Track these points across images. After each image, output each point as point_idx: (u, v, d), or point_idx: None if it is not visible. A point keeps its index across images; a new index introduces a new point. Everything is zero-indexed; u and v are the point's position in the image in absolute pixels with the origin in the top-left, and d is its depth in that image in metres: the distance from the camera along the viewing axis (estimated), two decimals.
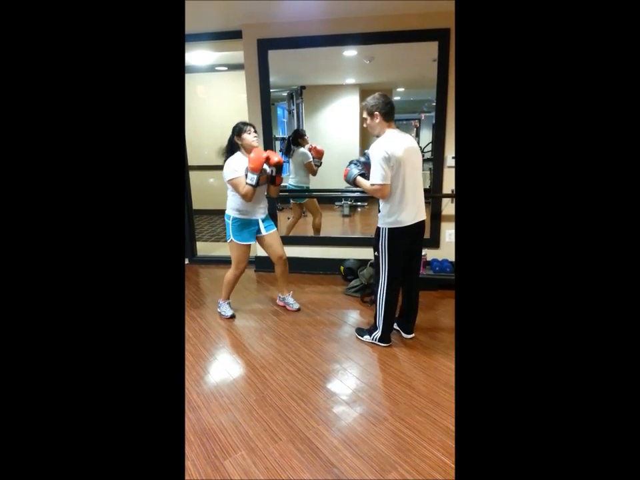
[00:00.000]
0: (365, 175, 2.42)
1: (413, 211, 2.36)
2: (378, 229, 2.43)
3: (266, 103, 3.57)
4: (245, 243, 2.85)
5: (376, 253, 2.48)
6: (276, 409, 2.01)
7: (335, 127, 4.26)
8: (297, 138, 3.98)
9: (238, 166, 2.68)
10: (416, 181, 2.36)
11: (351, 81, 4.17)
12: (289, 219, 4.13)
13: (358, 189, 2.56)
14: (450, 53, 3.19)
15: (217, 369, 2.43)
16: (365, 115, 2.34)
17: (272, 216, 3.71)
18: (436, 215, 3.57)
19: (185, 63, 3.79)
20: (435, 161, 3.48)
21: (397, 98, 4.08)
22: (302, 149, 3.92)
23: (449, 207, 3.54)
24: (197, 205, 4.39)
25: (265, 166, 2.63)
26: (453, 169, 3.40)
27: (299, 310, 3.11)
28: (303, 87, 4.06)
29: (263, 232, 2.88)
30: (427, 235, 3.43)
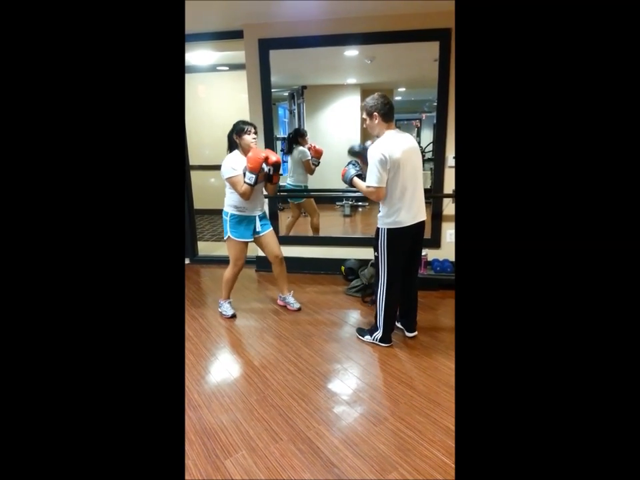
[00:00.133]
0: (362, 176, 2.43)
1: (413, 212, 2.37)
2: (377, 229, 2.44)
3: (267, 102, 3.57)
4: (242, 240, 2.86)
5: (376, 254, 2.49)
6: (277, 409, 2.01)
7: (336, 126, 4.26)
8: (298, 137, 3.98)
9: (236, 164, 2.69)
10: (416, 181, 2.36)
11: (352, 80, 4.17)
12: (289, 218, 4.14)
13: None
14: (451, 53, 3.18)
15: (218, 368, 2.43)
16: (364, 116, 2.34)
17: (273, 215, 3.73)
18: (437, 215, 3.57)
19: (185, 62, 3.80)
20: (436, 161, 3.48)
21: (398, 98, 4.08)
22: (301, 147, 3.93)
23: (449, 207, 3.54)
24: (197, 204, 4.39)
25: (263, 165, 2.64)
26: (454, 169, 3.40)
27: (299, 309, 3.11)
28: (304, 87, 4.06)
29: (260, 230, 2.90)
30: (427, 235, 3.44)
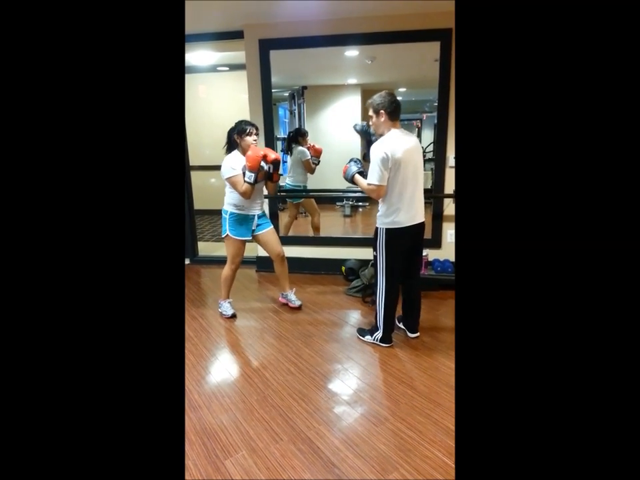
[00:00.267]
0: (364, 174, 2.43)
1: (411, 213, 2.37)
2: (376, 229, 2.44)
3: (267, 103, 3.57)
4: (240, 238, 2.87)
5: (374, 253, 2.49)
6: (277, 409, 2.01)
7: (337, 127, 4.26)
8: (298, 136, 3.98)
9: (235, 164, 2.71)
10: (416, 182, 2.37)
11: (352, 81, 4.17)
12: (287, 218, 4.13)
13: (359, 188, 2.57)
14: (452, 53, 3.18)
15: (218, 368, 2.43)
16: (370, 113, 2.34)
17: (273, 215, 3.73)
18: (437, 215, 3.57)
19: (185, 62, 3.80)
20: (436, 161, 3.48)
21: (398, 98, 4.07)
22: (300, 147, 3.93)
23: (450, 208, 3.54)
24: (198, 205, 4.40)
25: (262, 163, 2.65)
26: (455, 169, 3.40)
27: (300, 307, 3.12)
28: (304, 87, 4.06)
29: (258, 229, 2.91)
30: (428, 236, 3.44)
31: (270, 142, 3.66)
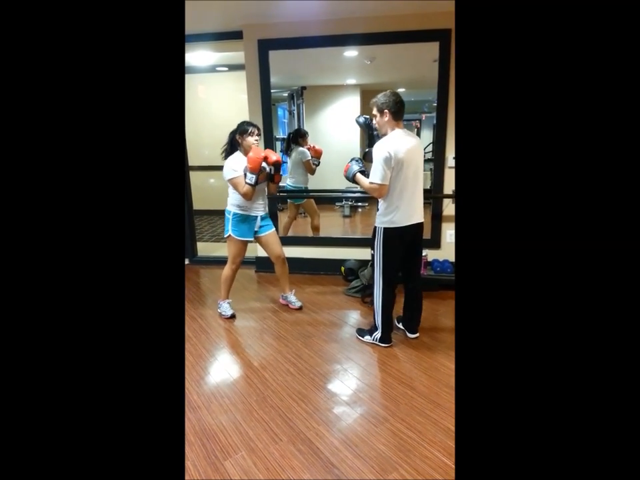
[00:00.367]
0: (365, 173, 2.44)
1: (409, 213, 2.37)
2: (375, 228, 2.45)
3: (267, 103, 3.57)
4: (242, 239, 2.88)
5: (372, 252, 2.50)
6: (276, 410, 2.01)
7: (336, 127, 4.26)
8: (298, 137, 3.98)
9: (237, 165, 2.71)
10: (417, 183, 2.37)
11: (351, 81, 4.17)
12: (287, 218, 4.13)
13: (358, 189, 2.58)
14: (451, 53, 3.18)
15: (218, 369, 2.43)
16: (374, 112, 2.34)
17: (272, 215, 3.73)
18: (437, 216, 3.57)
19: (184, 63, 3.80)
20: (435, 162, 3.48)
21: None
22: (301, 148, 3.92)
23: (449, 208, 3.54)
24: (197, 205, 4.39)
25: (264, 164, 2.65)
26: (454, 170, 3.40)
27: (301, 308, 3.12)
28: (303, 88, 4.06)
29: (261, 231, 2.91)
30: (427, 236, 3.45)
31: (269, 142, 3.66)
